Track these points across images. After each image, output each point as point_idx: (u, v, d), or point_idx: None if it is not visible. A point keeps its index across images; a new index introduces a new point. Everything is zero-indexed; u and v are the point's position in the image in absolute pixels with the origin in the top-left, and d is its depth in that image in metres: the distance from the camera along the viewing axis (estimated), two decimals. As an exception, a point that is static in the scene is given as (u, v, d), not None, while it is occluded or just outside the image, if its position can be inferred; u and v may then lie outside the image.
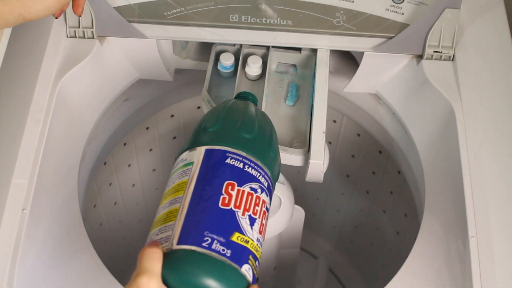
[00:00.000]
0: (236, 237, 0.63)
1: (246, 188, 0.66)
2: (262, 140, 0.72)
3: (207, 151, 0.68)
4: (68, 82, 0.92)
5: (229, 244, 0.62)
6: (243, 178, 0.67)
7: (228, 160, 0.67)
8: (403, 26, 0.95)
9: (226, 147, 0.68)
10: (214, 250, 0.61)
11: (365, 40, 0.97)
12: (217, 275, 0.61)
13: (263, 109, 0.93)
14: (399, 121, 1.02)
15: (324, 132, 0.89)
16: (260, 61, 0.98)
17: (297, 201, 1.00)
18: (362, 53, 0.98)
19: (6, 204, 0.81)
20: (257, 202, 0.66)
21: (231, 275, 0.62)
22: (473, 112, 0.90)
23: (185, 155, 0.70)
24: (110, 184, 1.20)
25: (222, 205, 0.64)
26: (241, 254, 0.63)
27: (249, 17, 0.96)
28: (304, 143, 0.91)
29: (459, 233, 0.83)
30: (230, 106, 0.76)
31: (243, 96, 0.83)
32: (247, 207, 0.65)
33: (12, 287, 0.76)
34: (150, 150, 1.26)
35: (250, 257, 0.64)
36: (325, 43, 0.97)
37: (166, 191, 0.69)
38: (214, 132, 0.71)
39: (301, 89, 0.99)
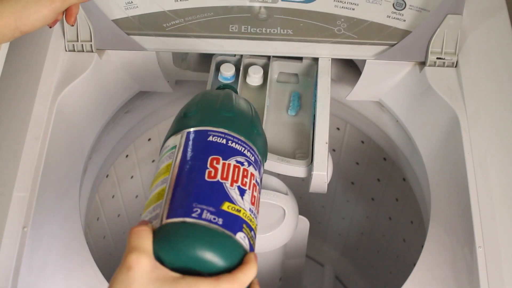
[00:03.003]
0: (226, 207, 0.61)
1: (232, 161, 0.65)
2: (243, 118, 0.71)
3: (188, 133, 0.67)
4: (67, 96, 0.92)
5: (219, 213, 0.60)
6: (227, 152, 0.65)
7: (210, 138, 0.66)
8: (405, 33, 0.95)
9: (207, 127, 0.67)
10: (205, 219, 0.59)
11: (367, 48, 0.96)
12: (210, 243, 0.59)
13: (264, 119, 0.93)
14: (403, 128, 1.02)
15: (327, 143, 0.88)
16: (261, 71, 0.98)
17: (302, 209, 0.99)
18: (364, 61, 0.97)
19: (7, 221, 0.80)
20: (245, 174, 0.65)
21: (225, 242, 0.60)
22: (478, 119, 0.89)
23: (169, 141, 0.69)
24: (113, 196, 1.19)
25: (208, 177, 0.62)
26: (234, 222, 0.61)
27: (249, 27, 0.95)
28: (307, 154, 0.90)
29: (465, 242, 0.82)
30: (207, 93, 0.76)
31: (222, 88, 0.82)
32: (235, 178, 0.63)
33: (14, 304, 0.75)
34: (153, 161, 1.25)
35: (244, 225, 0.62)
36: (326, 52, 0.97)
37: (153, 177, 0.68)
38: (194, 115, 0.70)
39: (303, 98, 0.98)
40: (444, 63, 0.95)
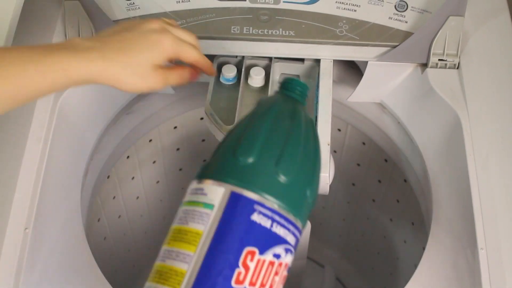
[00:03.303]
0: None
1: (268, 256, 0.57)
2: (302, 181, 0.61)
3: (233, 195, 0.58)
4: (69, 98, 0.92)
5: None
6: (267, 242, 0.57)
7: (254, 217, 0.57)
8: (407, 34, 0.95)
9: (256, 195, 0.57)
10: None
11: (369, 49, 0.96)
12: None
13: None
14: (404, 130, 1.01)
15: (329, 144, 0.88)
16: (263, 73, 0.98)
17: (303, 212, 0.99)
18: (366, 63, 0.97)
19: (9, 223, 0.80)
20: (277, 271, 0.57)
21: None
22: (480, 120, 0.89)
23: (206, 185, 0.60)
24: (114, 197, 1.19)
25: (235, 283, 0.55)
26: None
27: (251, 28, 0.95)
28: None
29: (467, 244, 0.82)
30: (273, 122, 0.63)
31: (289, 89, 0.70)
32: (264, 282, 0.56)
33: (16, 307, 0.75)
34: (154, 162, 1.25)
35: None
36: (328, 53, 0.97)
37: (174, 226, 0.61)
38: (246, 166, 0.59)
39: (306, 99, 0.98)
40: (446, 64, 0.95)
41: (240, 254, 0.56)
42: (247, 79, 0.98)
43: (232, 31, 0.95)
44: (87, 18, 0.93)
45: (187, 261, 0.56)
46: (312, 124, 0.67)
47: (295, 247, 0.60)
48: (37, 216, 0.81)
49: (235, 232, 0.56)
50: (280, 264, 0.58)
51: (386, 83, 1.00)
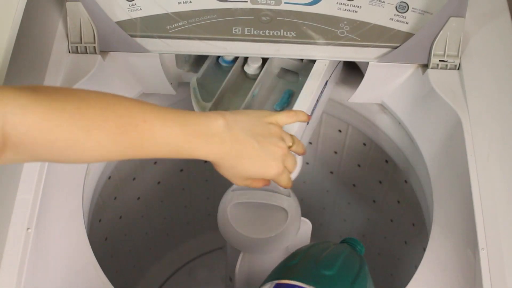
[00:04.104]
0: None
1: None
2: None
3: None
4: (71, 98, 0.92)
5: None
6: None
7: None
8: (408, 35, 0.95)
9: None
10: None
11: (370, 50, 0.96)
12: None
13: (246, 106, 0.94)
14: (405, 130, 1.02)
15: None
16: (260, 62, 0.98)
17: (303, 211, 0.99)
18: (367, 63, 0.97)
19: (11, 223, 0.80)
20: None
21: None
22: (480, 121, 0.90)
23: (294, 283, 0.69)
24: (115, 198, 1.19)
25: None
26: None
27: (252, 29, 0.95)
28: None
29: (468, 244, 0.82)
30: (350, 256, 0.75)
31: (357, 248, 0.83)
32: None
33: (18, 306, 0.75)
34: (155, 163, 1.25)
35: None
36: (329, 54, 0.97)
37: None
38: (325, 276, 0.69)
39: (295, 97, 0.98)
40: (446, 65, 0.95)
41: None
42: (244, 65, 0.99)
43: (233, 32, 0.96)
44: (88, 19, 0.94)
45: None
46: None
47: None
48: (39, 217, 0.81)
49: None
50: None
51: (387, 84, 1.00)
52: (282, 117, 0.83)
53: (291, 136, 0.84)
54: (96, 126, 0.66)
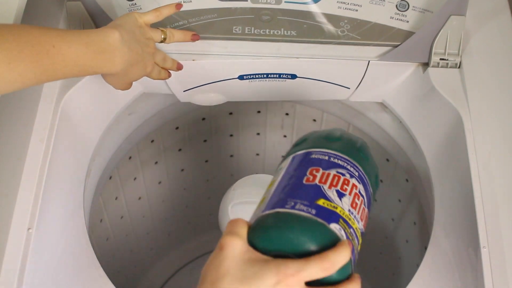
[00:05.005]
0: (322, 202, 0.61)
1: (332, 171, 0.65)
2: (348, 142, 0.71)
3: (294, 156, 0.69)
4: (71, 98, 0.92)
5: (313, 206, 0.61)
6: (328, 165, 0.66)
7: (312, 156, 0.67)
8: (408, 34, 0.95)
9: (311, 149, 0.68)
10: (298, 209, 0.60)
11: (370, 49, 0.96)
12: (301, 227, 0.59)
13: None
14: (406, 129, 1.01)
15: None
16: None
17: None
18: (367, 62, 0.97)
19: (12, 223, 0.80)
20: (346, 183, 0.65)
21: (316, 227, 0.59)
22: (481, 120, 0.89)
23: (278, 168, 0.71)
24: (116, 198, 1.19)
25: (306, 181, 0.64)
26: (328, 214, 0.61)
27: (253, 28, 0.95)
28: None
29: (470, 243, 0.82)
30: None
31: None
32: (334, 183, 0.63)
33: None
34: (156, 163, 1.25)
35: (341, 220, 0.61)
36: (329, 53, 0.97)
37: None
38: (301, 143, 0.71)
39: None
40: (447, 64, 0.95)
41: (307, 170, 0.65)
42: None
43: (233, 31, 0.96)
44: (89, 19, 0.94)
45: (267, 192, 0.66)
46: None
47: (362, 183, 0.68)
48: (40, 217, 0.81)
49: (299, 164, 0.67)
50: (346, 180, 0.65)
51: (387, 83, 1.00)
52: (149, 17, 0.89)
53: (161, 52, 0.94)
54: (14, 58, 0.71)
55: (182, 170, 1.34)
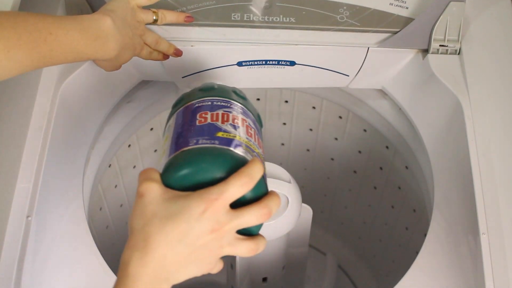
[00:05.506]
0: (221, 134, 0.64)
1: (220, 111, 0.68)
2: (223, 88, 0.74)
3: (178, 112, 0.71)
4: (70, 86, 0.92)
5: (215, 138, 0.64)
6: (214, 108, 0.69)
7: (196, 105, 0.70)
8: (408, 20, 0.94)
9: (193, 101, 0.71)
10: (202, 143, 0.63)
11: (370, 36, 0.95)
12: (210, 156, 0.62)
13: None
14: (406, 116, 1.01)
15: None
16: None
17: (304, 198, 0.99)
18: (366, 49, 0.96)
19: (11, 210, 0.80)
20: (235, 117, 0.68)
21: (223, 153, 0.62)
22: (481, 106, 0.89)
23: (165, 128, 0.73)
24: (116, 186, 1.19)
25: (199, 123, 0.66)
26: (231, 142, 0.64)
27: (251, 15, 0.95)
28: None
29: (469, 229, 0.82)
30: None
31: None
32: (225, 119, 0.67)
33: (18, 293, 0.75)
34: (155, 151, 1.25)
35: (243, 146, 0.64)
36: (328, 40, 0.96)
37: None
38: (179, 102, 0.73)
39: None
40: (447, 50, 0.95)
41: (196, 116, 0.68)
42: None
43: (232, 18, 0.95)
44: (87, 5, 0.93)
45: (165, 146, 0.67)
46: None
47: (250, 118, 0.71)
48: (39, 204, 0.81)
49: (188, 115, 0.69)
50: (235, 116, 0.69)
51: (387, 70, 1.00)
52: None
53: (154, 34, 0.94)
54: (12, 46, 0.72)
55: (182, 158, 1.34)
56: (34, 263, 0.78)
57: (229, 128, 0.66)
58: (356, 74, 1.01)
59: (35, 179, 0.83)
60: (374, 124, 1.15)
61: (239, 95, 0.75)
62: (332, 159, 1.35)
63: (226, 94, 0.73)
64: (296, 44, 0.97)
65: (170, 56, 0.96)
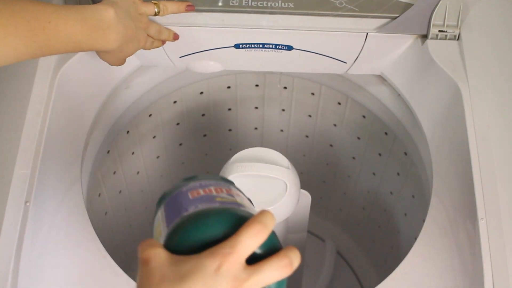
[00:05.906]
0: (219, 199, 0.60)
1: (212, 187, 0.64)
2: (205, 175, 0.69)
3: (165, 204, 0.65)
4: (67, 72, 0.92)
5: (214, 202, 0.59)
6: (203, 185, 0.64)
7: (185, 188, 0.64)
8: (407, 5, 0.94)
9: (180, 189, 0.65)
10: (201, 207, 0.59)
11: (369, 21, 0.95)
12: (217, 216, 0.57)
13: None
14: (405, 102, 1.01)
15: None
16: None
17: (303, 185, 0.99)
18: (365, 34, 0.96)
19: (9, 196, 0.80)
20: (227, 188, 0.64)
21: (231, 212, 0.58)
22: (480, 92, 0.89)
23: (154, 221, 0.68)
24: (114, 172, 1.19)
25: (193, 197, 0.61)
26: (232, 203, 0.60)
27: (250, 0, 0.95)
28: None
29: (467, 215, 0.82)
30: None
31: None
32: (220, 190, 0.63)
33: (17, 278, 0.75)
34: (154, 137, 1.25)
35: (245, 207, 0.61)
36: (327, 25, 0.96)
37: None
38: (164, 196, 0.68)
39: None
40: (446, 36, 0.95)
41: (187, 195, 0.62)
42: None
43: (231, 3, 0.95)
44: (87, -5, 0.93)
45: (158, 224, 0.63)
46: None
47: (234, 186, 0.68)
48: (37, 190, 0.81)
49: (177, 199, 0.63)
50: (227, 188, 0.64)
51: (386, 55, 1.00)
52: None
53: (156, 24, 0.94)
54: (9, 33, 0.72)
55: (181, 144, 1.33)
56: (32, 248, 0.78)
57: (225, 195, 0.62)
58: (355, 60, 1.01)
59: (33, 165, 0.83)
60: (373, 110, 1.15)
61: (224, 179, 0.70)
62: (331, 145, 1.35)
63: (212, 177, 0.68)
64: (293, 30, 0.97)
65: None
